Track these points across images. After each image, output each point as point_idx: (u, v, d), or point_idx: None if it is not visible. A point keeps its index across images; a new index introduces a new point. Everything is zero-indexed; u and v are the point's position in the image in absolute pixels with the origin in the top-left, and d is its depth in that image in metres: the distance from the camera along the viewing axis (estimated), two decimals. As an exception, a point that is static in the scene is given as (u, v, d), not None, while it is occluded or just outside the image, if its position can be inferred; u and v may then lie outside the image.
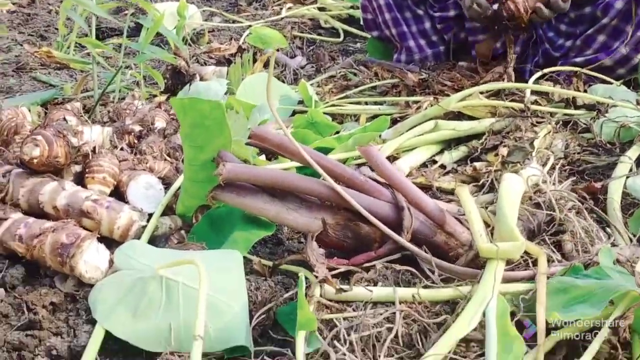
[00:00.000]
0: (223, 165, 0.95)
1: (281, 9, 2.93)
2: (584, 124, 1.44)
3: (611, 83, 1.58)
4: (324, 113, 1.58)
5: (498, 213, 0.95)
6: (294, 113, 1.69)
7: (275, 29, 2.62)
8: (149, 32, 1.60)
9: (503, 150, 1.25)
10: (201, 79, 1.88)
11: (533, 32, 1.80)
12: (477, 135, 1.46)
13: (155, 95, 1.78)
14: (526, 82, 1.61)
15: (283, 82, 2.07)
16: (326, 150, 1.29)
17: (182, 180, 1.10)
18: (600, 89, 1.53)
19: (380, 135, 1.51)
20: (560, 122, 1.45)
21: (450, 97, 1.46)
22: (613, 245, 0.97)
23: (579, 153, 1.34)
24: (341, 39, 2.64)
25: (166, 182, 1.19)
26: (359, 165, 1.17)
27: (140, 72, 1.81)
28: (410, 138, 1.40)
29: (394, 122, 1.55)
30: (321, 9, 2.93)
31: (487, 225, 0.99)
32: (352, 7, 2.78)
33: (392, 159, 1.40)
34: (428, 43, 1.97)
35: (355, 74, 1.92)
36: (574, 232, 0.98)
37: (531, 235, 1.03)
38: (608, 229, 1.06)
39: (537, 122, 1.43)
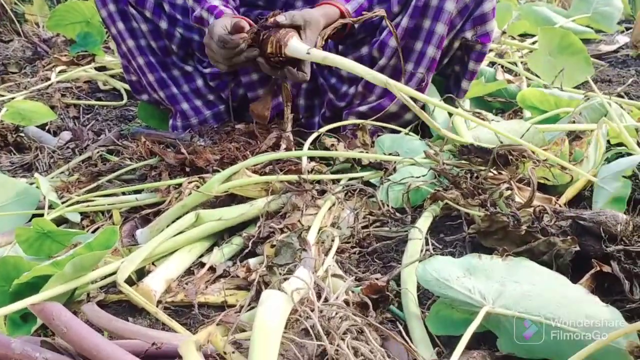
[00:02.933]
0: None
1: (52, 73, 2.51)
2: (374, 185, 1.23)
3: (400, 132, 1.39)
4: (62, 216, 1.23)
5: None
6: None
7: (42, 100, 2.22)
8: None
9: (270, 250, 0.98)
10: None
11: (317, 81, 1.59)
12: (256, 220, 1.19)
13: None
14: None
15: (37, 169, 1.68)
16: (35, 285, 0.93)
17: None
18: (387, 140, 1.33)
19: (134, 236, 1.19)
20: (347, 189, 1.22)
21: (212, 179, 1.17)
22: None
23: (367, 226, 1.11)
24: (124, 101, 2.29)
25: None
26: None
27: None
28: (167, 239, 1.09)
29: (157, 215, 1.23)
30: (99, 69, 2.56)
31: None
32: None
33: (146, 272, 1.08)
34: (205, 103, 1.67)
35: (119, 152, 1.58)
36: (352, 368, 0.72)
37: (302, 378, 0.76)
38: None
39: (321, 193, 1.19)
